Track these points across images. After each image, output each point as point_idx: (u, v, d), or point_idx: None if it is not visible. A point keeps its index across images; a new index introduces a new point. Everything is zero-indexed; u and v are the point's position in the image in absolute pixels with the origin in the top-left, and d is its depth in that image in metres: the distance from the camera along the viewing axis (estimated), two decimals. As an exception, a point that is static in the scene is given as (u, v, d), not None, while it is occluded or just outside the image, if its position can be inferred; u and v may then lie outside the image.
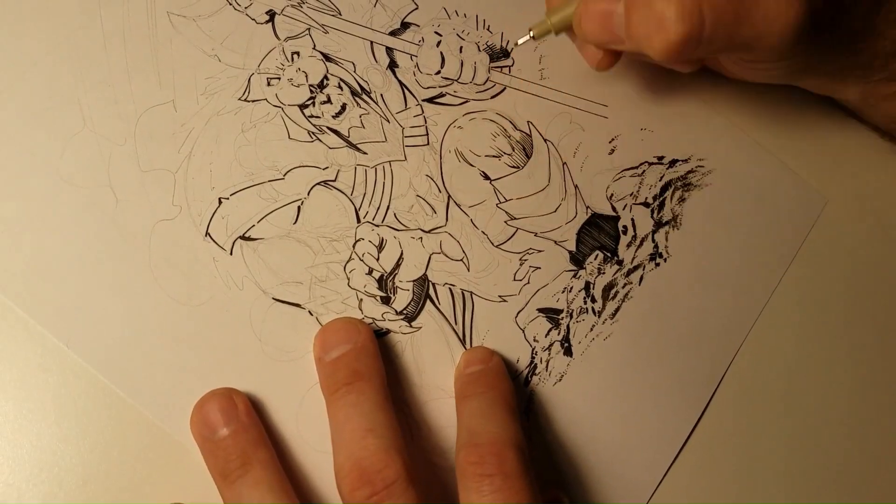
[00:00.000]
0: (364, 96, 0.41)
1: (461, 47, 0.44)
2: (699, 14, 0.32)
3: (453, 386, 0.38)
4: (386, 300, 0.39)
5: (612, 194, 0.44)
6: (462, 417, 0.36)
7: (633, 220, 0.44)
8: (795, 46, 0.35)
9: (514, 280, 0.41)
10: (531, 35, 0.40)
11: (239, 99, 0.40)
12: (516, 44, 0.41)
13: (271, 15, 0.41)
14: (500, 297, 0.41)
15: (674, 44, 0.33)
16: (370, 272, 0.39)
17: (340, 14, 0.42)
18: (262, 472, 0.33)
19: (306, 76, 0.41)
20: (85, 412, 0.35)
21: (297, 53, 0.41)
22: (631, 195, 0.44)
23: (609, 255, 0.43)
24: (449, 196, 0.41)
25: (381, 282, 0.39)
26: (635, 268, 0.43)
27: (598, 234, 0.43)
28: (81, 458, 0.35)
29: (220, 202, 0.38)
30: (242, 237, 0.38)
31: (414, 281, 0.40)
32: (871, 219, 0.47)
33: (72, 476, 0.35)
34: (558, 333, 0.41)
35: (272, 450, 0.34)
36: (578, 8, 0.36)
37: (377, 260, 0.40)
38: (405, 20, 0.43)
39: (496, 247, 0.41)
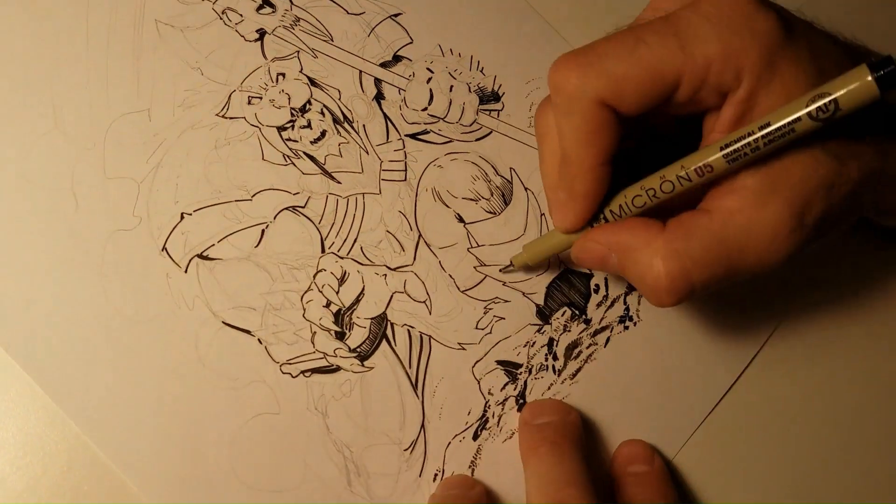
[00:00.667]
0: (346, 125, 0.41)
1: (452, 86, 0.43)
2: (688, 282, 0.33)
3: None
4: (340, 336, 0.38)
5: (587, 251, 0.43)
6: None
7: (606, 279, 0.43)
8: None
9: (476, 328, 0.40)
10: (511, 265, 0.40)
11: (217, 114, 0.39)
12: (499, 270, 0.41)
13: (261, 34, 0.41)
14: (459, 344, 0.40)
15: (665, 304, 0.33)
16: (328, 305, 0.38)
17: (332, 40, 0.41)
18: None
19: (289, 98, 0.40)
20: None
21: (283, 75, 0.41)
22: (607, 254, 0.43)
23: (577, 312, 0.42)
24: (420, 235, 0.40)
25: (338, 316, 0.38)
26: (603, 329, 0.42)
27: (569, 290, 0.42)
28: (67, 444, 0.34)
29: (182, 217, 0.37)
30: (200, 255, 0.37)
31: (372, 318, 0.39)
32: (852, 297, 0.46)
33: (56, 461, 0.34)
34: (514, 388, 0.40)
35: None
36: (575, 249, 0.36)
37: (337, 293, 0.39)
38: (398, 53, 0.43)
39: (462, 292, 0.40)
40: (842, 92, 0.29)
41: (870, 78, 0.28)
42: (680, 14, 0.32)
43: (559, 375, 0.41)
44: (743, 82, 0.32)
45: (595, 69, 0.32)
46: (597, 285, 0.42)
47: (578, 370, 0.41)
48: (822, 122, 0.30)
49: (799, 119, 0.30)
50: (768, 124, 0.31)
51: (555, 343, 0.41)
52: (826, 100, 0.29)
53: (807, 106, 0.30)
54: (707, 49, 0.31)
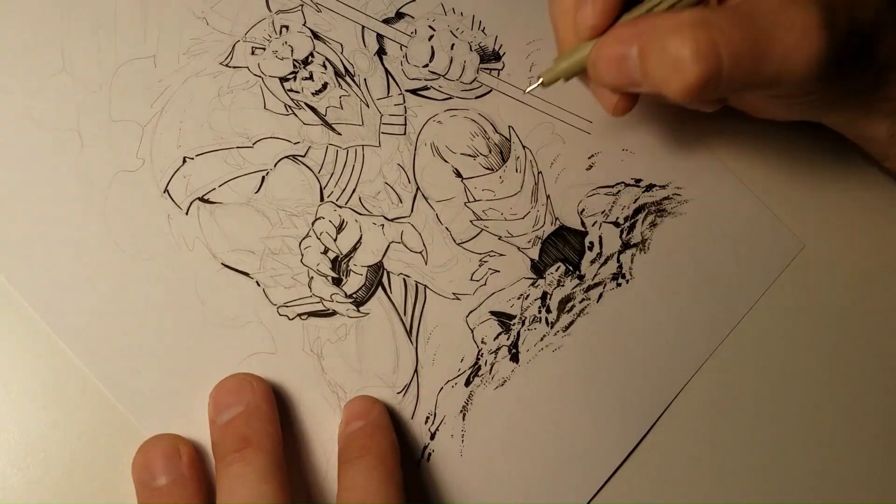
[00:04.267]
0: (347, 78, 0.42)
1: (453, 44, 0.44)
2: (716, 53, 0.31)
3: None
4: (337, 281, 0.39)
5: (583, 209, 0.43)
6: (340, 483, 0.34)
7: (600, 237, 0.43)
8: (820, 81, 0.33)
9: (471, 280, 0.41)
10: (541, 82, 0.38)
11: (220, 63, 0.40)
12: (524, 91, 0.40)
13: (266, -14, 0.41)
14: (454, 294, 0.40)
15: (692, 85, 0.32)
16: (325, 251, 0.39)
17: (336, -5, 0.42)
18: None
19: (292, 50, 0.41)
20: (73, 398, 0.35)
21: (287, 27, 0.41)
22: (602, 213, 0.44)
23: (571, 268, 0.42)
24: (418, 188, 0.41)
25: (335, 263, 0.39)
26: (596, 284, 0.43)
27: (564, 246, 0.42)
28: (69, 445, 0.35)
29: (184, 161, 0.38)
30: (201, 199, 0.38)
31: (369, 266, 0.40)
32: (849, 270, 0.46)
33: (58, 462, 0.34)
34: (507, 339, 0.41)
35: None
36: (592, 53, 0.35)
37: (334, 241, 0.39)
38: (401, 10, 0.43)
39: (458, 244, 0.41)
40: None
41: None
42: None
43: (552, 328, 0.41)
44: None
45: None
46: (591, 243, 0.43)
47: (571, 323, 0.42)
48: None
49: None
50: None
51: (549, 296, 0.42)
52: None
53: None
54: None
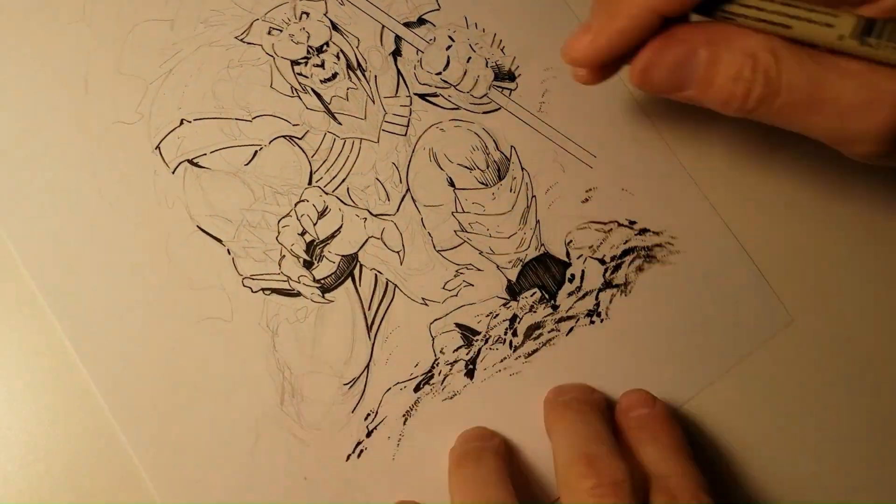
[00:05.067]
0: (358, 72, 0.42)
1: (469, 58, 0.44)
2: (775, 70, 0.30)
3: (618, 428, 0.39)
4: (308, 265, 0.39)
5: (570, 241, 0.43)
6: (641, 459, 0.36)
7: (583, 271, 0.43)
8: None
9: (444, 288, 0.41)
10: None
11: (236, 38, 0.41)
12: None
13: (296, -27, 0.42)
14: (423, 299, 0.40)
15: (746, 99, 0.31)
16: (303, 233, 0.40)
17: (363, -8, 0.43)
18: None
19: (308, 36, 0.42)
20: (76, 396, 0.36)
21: (307, 14, 0.42)
22: (590, 248, 0.43)
23: (547, 296, 0.42)
24: (408, 189, 0.41)
25: (310, 246, 0.40)
26: (569, 317, 0.42)
27: (544, 273, 0.42)
28: (70, 443, 0.35)
29: (181, 123, 0.39)
30: (190, 161, 0.39)
31: (343, 256, 0.40)
32: (835, 352, 0.45)
33: (60, 460, 0.35)
34: (467, 353, 0.40)
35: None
36: (645, 55, 0.33)
37: (314, 225, 0.40)
38: (423, 16, 0.44)
39: (437, 251, 0.41)
40: None
41: None
42: None
43: (514, 351, 0.41)
44: None
45: None
46: (572, 275, 0.43)
47: (535, 351, 0.41)
48: None
49: None
50: None
51: (517, 320, 0.41)
52: None
53: None
54: None
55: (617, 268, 0.43)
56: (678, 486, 0.34)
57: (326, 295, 0.39)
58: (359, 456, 0.38)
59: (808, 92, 0.30)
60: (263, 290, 0.38)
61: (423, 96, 0.43)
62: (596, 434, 0.35)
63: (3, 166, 0.37)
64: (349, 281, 0.40)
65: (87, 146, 0.37)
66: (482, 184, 0.43)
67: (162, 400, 0.36)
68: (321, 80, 0.42)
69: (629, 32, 0.31)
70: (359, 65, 0.42)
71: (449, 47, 0.44)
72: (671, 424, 0.38)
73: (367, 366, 0.39)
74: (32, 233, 0.36)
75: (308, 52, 0.42)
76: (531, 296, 0.42)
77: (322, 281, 0.39)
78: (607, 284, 0.43)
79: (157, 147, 0.38)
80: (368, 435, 0.38)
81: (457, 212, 0.42)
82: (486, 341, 0.41)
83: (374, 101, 0.42)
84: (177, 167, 0.38)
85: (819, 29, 0.30)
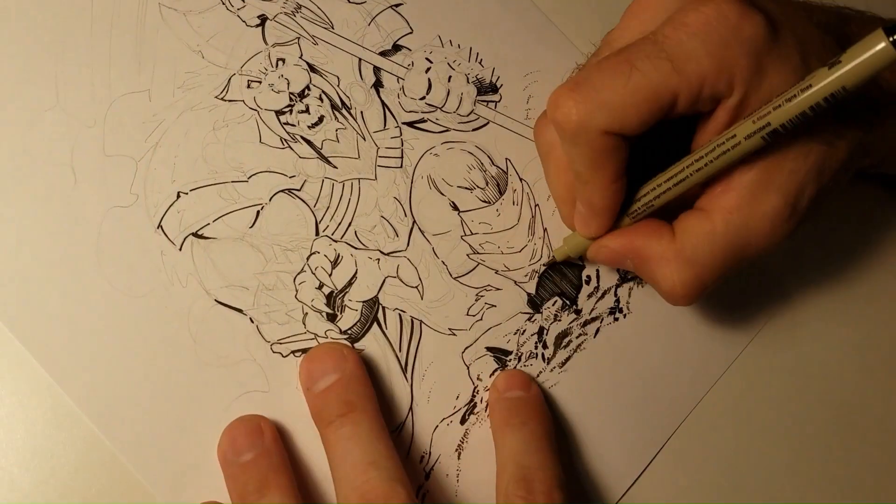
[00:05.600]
0: (343, 111, 0.41)
1: (450, 77, 0.43)
2: (702, 286, 0.35)
3: (489, 406, 0.39)
4: (332, 317, 0.39)
5: (580, 243, 0.43)
6: (506, 447, 0.37)
7: (597, 271, 0.43)
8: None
9: (468, 315, 0.41)
10: (553, 258, 0.41)
11: (216, 97, 0.40)
12: (542, 266, 0.42)
13: (263, 19, 0.41)
14: (450, 329, 0.40)
15: (683, 305, 0.38)
16: (320, 287, 0.39)
17: (333, 27, 0.42)
18: (279, 496, 0.33)
19: (288, 83, 0.41)
20: None
21: (283, 60, 0.41)
22: (600, 246, 0.43)
23: (568, 303, 0.42)
24: (414, 221, 0.41)
25: (330, 298, 0.39)
26: (593, 319, 0.42)
27: (561, 280, 0.42)
28: (75, 446, 0.35)
29: (178, 196, 0.38)
30: (195, 234, 0.38)
31: (364, 302, 0.39)
32: (847, 304, 0.46)
33: (64, 463, 0.34)
34: (503, 375, 0.40)
35: (292, 476, 0.35)
36: (590, 251, 0.38)
37: (329, 276, 0.39)
38: (398, 42, 0.43)
39: (454, 279, 0.41)
40: (861, 59, 0.29)
41: (883, 44, 0.28)
42: (667, 34, 0.33)
43: (548, 363, 0.41)
44: (735, 90, 0.33)
45: (594, 104, 0.33)
46: (588, 276, 0.43)
47: (568, 359, 0.41)
48: (842, 94, 0.30)
49: (831, 94, 0.30)
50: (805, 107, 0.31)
51: (545, 332, 0.41)
52: (845, 69, 0.29)
53: (826, 79, 0.30)
54: (700, 67, 0.32)
55: (629, 262, 0.43)
56: (536, 478, 0.35)
57: (356, 345, 0.39)
58: (423, 500, 0.37)
59: (731, 263, 0.35)
60: (294, 352, 0.38)
61: (411, 124, 0.42)
62: (371, 457, 0.35)
63: (6, 275, 0.35)
64: (375, 326, 0.39)
65: (88, 238, 0.36)
66: (485, 202, 0.42)
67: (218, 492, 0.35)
68: (309, 126, 0.41)
69: (612, 204, 0.36)
70: (343, 103, 0.41)
71: (428, 69, 0.43)
72: (543, 412, 0.38)
73: (411, 408, 0.39)
74: (51, 339, 0.35)
75: (290, 99, 0.41)
76: (553, 305, 0.42)
77: (349, 331, 0.39)
78: (623, 279, 0.43)
79: (159, 226, 0.37)
80: (427, 477, 0.38)
81: (465, 235, 0.42)
82: (520, 359, 0.41)
83: (364, 138, 0.41)
84: (183, 243, 0.37)
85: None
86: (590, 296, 0.42)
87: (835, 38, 0.34)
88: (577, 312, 0.42)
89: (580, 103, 0.33)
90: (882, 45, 0.28)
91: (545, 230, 0.43)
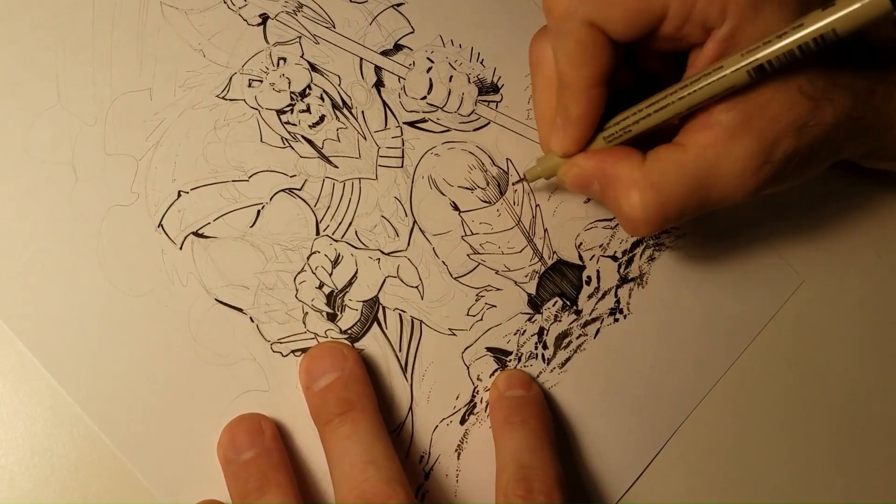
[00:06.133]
0: (344, 110, 0.41)
1: (451, 76, 0.43)
2: (663, 214, 0.35)
3: (489, 405, 0.39)
4: (332, 317, 0.39)
5: (580, 243, 0.43)
6: (507, 446, 0.36)
7: (598, 271, 0.43)
8: (759, 194, 0.35)
9: (468, 315, 0.41)
10: (524, 178, 0.41)
11: (217, 96, 0.40)
12: (511, 184, 0.41)
13: (264, 18, 0.41)
14: (450, 329, 0.40)
15: (639, 234, 0.36)
16: (320, 286, 0.39)
17: (334, 27, 0.42)
18: (279, 495, 0.33)
19: (289, 83, 0.41)
20: None
21: (284, 59, 0.41)
22: (600, 247, 0.43)
23: (568, 303, 0.42)
24: (415, 221, 0.41)
25: (330, 298, 0.39)
26: (593, 320, 0.42)
27: (561, 280, 0.42)
28: (75, 444, 0.35)
29: (179, 195, 0.38)
30: (195, 233, 0.38)
31: (364, 301, 0.39)
32: (848, 305, 0.46)
33: (64, 461, 0.34)
34: (503, 375, 0.40)
35: (292, 475, 0.35)
36: (560, 172, 0.38)
37: (330, 275, 0.39)
38: (399, 42, 0.43)
39: (454, 279, 0.41)
40: (855, 6, 0.29)
41: None
42: None
43: (548, 364, 0.41)
44: (727, 20, 0.33)
45: None
46: (588, 277, 0.43)
47: (568, 360, 0.41)
48: (832, 37, 0.30)
49: (821, 35, 0.30)
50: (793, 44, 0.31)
51: (545, 332, 0.41)
52: (840, 13, 0.29)
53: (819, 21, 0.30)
54: None
55: (630, 262, 0.43)
56: (536, 477, 0.35)
57: (356, 344, 0.39)
58: (422, 500, 0.37)
59: (695, 199, 0.35)
60: (294, 352, 0.38)
61: (412, 124, 0.42)
62: (370, 456, 0.34)
63: (7, 274, 0.35)
64: (375, 326, 0.39)
65: (88, 237, 0.36)
66: (485, 202, 0.42)
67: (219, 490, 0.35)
68: (310, 126, 0.41)
69: (588, 112, 0.36)
70: (344, 103, 0.41)
71: (429, 69, 0.43)
72: (543, 411, 0.38)
73: (411, 408, 0.39)
74: (51, 338, 0.35)
75: (292, 98, 0.41)
76: (553, 305, 0.42)
77: (349, 331, 0.39)
78: (623, 280, 0.43)
79: (160, 225, 0.37)
80: (427, 477, 0.38)
81: (466, 235, 0.42)
82: (520, 360, 0.41)
83: (365, 138, 0.41)
84: (183, 242, 0.37)
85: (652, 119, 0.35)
86: (590, 296, 0.42)
87: None
88: (578, 313, 0.42)
89: None
90: None
91: (546, 230, 0.43)
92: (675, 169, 0.34)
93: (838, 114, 0.34)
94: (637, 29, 0.33)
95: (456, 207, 0.42)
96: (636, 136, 0.36)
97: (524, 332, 0.41)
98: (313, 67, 0.41)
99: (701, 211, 0.35)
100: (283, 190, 0.39)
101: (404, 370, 0.39)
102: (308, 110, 0.41)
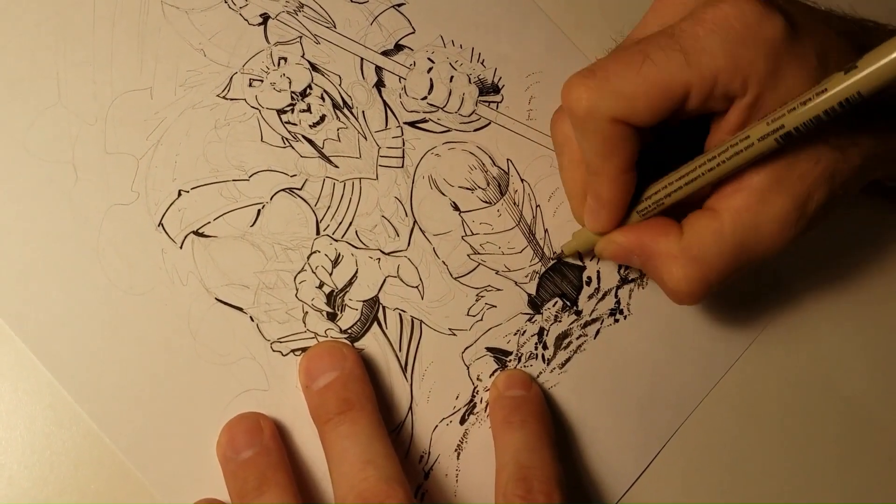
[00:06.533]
0: (345, 110, 0.41)
1: (452, 77, 0.43)
2: (706, 286, 0.35)
3: (489, 405, 0.39)
4: (332, 317, 0.39)
5: (581, 243, 0.43)
6: (506, 445, 0.36)
7: (598, 272, 0.43)
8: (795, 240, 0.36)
9: (468, 315, 0.41)
10: (561, 252, 0.42)
11: (218, 95, 0.40)
12: (551, 260, 0.42)
13: (265, 18, 0.41)
14: (450, 329, 0.40)
15: (687, 304, 0.37)
16: (321, 286, 0.39)
17: (335, 27, 0.42)
18: (278, 494, 0.33)
19: (290, 82, 0.41)
20: None
21: (285, 59, 0.41)
22: (601, 247, 0.43)
23: (568, 304, 0.42)
24: (415, 221, 0.41)
25: (331, 297, 0.39)
26: (593, 320, 0.42)
27: (561, 281, 0.42)
28: (74, 443, 0.35)
29: (179, 194, 0.38)
30: (196, 232, 0.38)
31: (364, 301, 0.39)
32: (848, 304, 0.46)
33: (64, 460, 0.34)
34: (503, 376, 0.40)
35: (291, 474, 0.35)
36: (598, 246, 0.39)
37: (330, 275, 0.39)
38: (400, 42, 0.43)
39: (455, 279, 0.41)
40: (877, 65, 0.29)
41: None
42: (684, 28, 0.33)
43: (548, 364, 0.41)
44: (749, 90, 0.33)
45: (605, 90, 0.33)
46: (588, 278, 0.43)
47: (568, 360, 0.41)
48: (857, 99, 0.30)
49: (846, 99, 0.30)
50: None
51: (545, 333, 0.41)
52: (862, 74, 0.29)
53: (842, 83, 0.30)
54: (714, 62, 0.32)
55: (630, 263, 0.43)
56: (536, 477, 0.35)
57: (356, 344, 0.39)
58: (422, 499, 0.37)
59: (736, 266, 0.35)
60: (294, 351, 0.38)
61: (412, 124, 0.42)
62: (369, 456, 0.35)
63: (7, 273, 0.35)
64: (375, 325, 0.39)
65: (88, 236, 0.36)
66: (486, 202, 0.42)
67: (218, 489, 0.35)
68: (310, 125, 0.41)
69: (620, 196, 0.36)
70: (345, 103, 0.41)
71: (430, 69, 0.43)
72: (543, 411, 0.38)
73: (410, 407, 0.39)
74: (51, 336, 0.35)
75: (292, 98, 0.41)
76: (553, 306, 0.42)
77: (349, 330, 0.39)
78: (624, 280, 0.43)
79: (160, 224, 0.37)
80: (426, 477, 0.38)
81: (466, 235, 0.41)
82: (520, 360, 0.41)
83: (366, 138, 0.41)
84: (183, 241, 0.37)
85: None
86: (590, 297, 0.42)
87: (854, 48, 0.34)
88: (578, 313, 0.42)
89: (591, 89, 0.33)
90: None
91: (546, 231, 0.43)
92: (713, 239, 0.35)
93: (864, 154, 0.34)
94: (661, 115, 0.33)
95: (456, 207, 0.42)
96: (668, 208, 0.36)
97: (524, 332, 0.41)
98: (314, 67, 0.41)
99: (742, 272, 0.36)
100: (283, 189, 0.39)
101: (404, 370, 0.39)
102: (308, 110, 0.41)
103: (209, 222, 0.38)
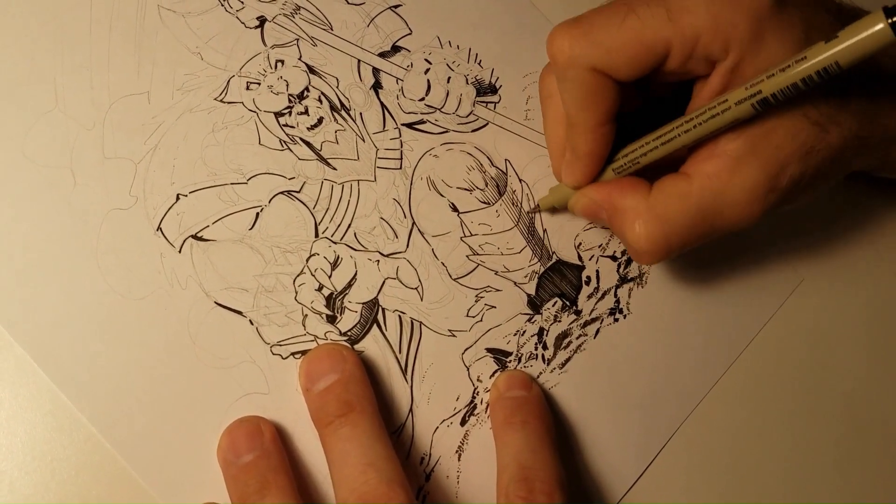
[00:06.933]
0: (343, 112, 0.41)
1: (449, 77, 0.43)
2: (667, 245, 0.35)
3: (490, 406, 0.39)
4: (331, 319, 0.39)
5: (580, 243, 0.43)
6: (507, 446, 0.36)
7: (597, 272, 0.43)
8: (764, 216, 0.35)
9: (467, 316, 0.41)
10: (537, 205, 0.42)
11: (215, 99, 0.40)
12: (528, 213, 0.42)
13: (262, 21, 0.41)
14: (449, 331, 0.40)
15: (644, 262, 0.38)
16: (320, 288, 0.39)
17: (332, 29, 0.42)
18: (279, 498, 0.33)
19: (287, 85, 0.41)
20: None
21: (282, 62, 0.41)
22: (599, 247, 0.43)
23: (568, 303, 0.42)
24: (413, 223, 0.41)
25: (330, 300, 0.39)
26: (593, 320, 0.42)
27: (560, 281, 0.42)
28: (75, 449, 0.35)
29: (177, 198, 0.38)
30: (194, 236, 0.38)
31: (364, 303, 0.39)
32: (847, 302, 0.46)
33: (65, 466, 0.35)
34: (503, 376, 0.40)
35: (292, 477, 0.35)
36: (571, 202, 0.39)
37: (329, 277, 0.39)
38: (397, 43, 0.43)
39: (454, 280, 0.41)
40: (858, 37, 0.29)
41: (882, 25, 0.28)
42: None
43: (548, 364, 0.41)
44: (730, 53, 0.33)
45: (587, 39, 0.33)
46: (588, 277, 0.43)
47: (568, 360, 0.41)
48: (835, 70, 0.30)
49: (825, 68, 0.30)
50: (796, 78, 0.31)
51: (545, 333, 0.41)
52: (842, 45, 0.29)
53: (823, 52, 0.30)
54: (696, 21, 0.32)
55: (629, 261, 0.44)
56: (537, 477, 0.35)
57: (356, 346, 0.39)
58: (423, 502, 0.37)
59: (700, 230, 0.35)
60: (293, 354, 0.38)
61: (410, 125, 0.42)
62: (370, 458, 0.35)
63: (6, 278, 0.35)
64: (375, 327, 0.39)
65: (87, 241, 0.36)
66: (484, 203, 0.42)
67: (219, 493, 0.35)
68: (308, 128, 0.41)
69: (596, 149, 0.36)
70: (342, 105, 0.41)
71: (427, 70, 0.43)
72: (544, 411, 0.38)
73: (411, 409, 0.39)
74: (50, 341, 0.35)
75: (290, 100, 0.41)
76: (553, 306, 0.42)
77: (349, 333, 0.39)
78: (623, 280, 0.43)
79: (159, 228, 0.37)
80: (427, 479, 0.38)
81: (465, 236, 0.41)
82: (520, 360, 0.41)
83: (364, 140, 0.41)
84: (182, 245, 0.37)
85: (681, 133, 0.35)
86: (590, 297, 0.42)
87: (842, 25, 0.34)
88: (577, 313, 0.42)
89: (574, 38, 0.33)
90: (880, 25, 0.29)
91: (545, 231, 0.43)
92: (678, 200, 0.34)
93: (845, 136, 0.34)
94: (640, 70, 0.33)
95: (455, 208, 0.42)
96: (644, 167, 0.36)
97: (524, 332, 0.41)
98: (311, 69, 0.41)
99: (706, 240, 0.35)
100: (281, 192, 0.39)
101: (404, 372, 0.39)
102: (306, 112, 0.41)
103: (208, 226, 0.38)
